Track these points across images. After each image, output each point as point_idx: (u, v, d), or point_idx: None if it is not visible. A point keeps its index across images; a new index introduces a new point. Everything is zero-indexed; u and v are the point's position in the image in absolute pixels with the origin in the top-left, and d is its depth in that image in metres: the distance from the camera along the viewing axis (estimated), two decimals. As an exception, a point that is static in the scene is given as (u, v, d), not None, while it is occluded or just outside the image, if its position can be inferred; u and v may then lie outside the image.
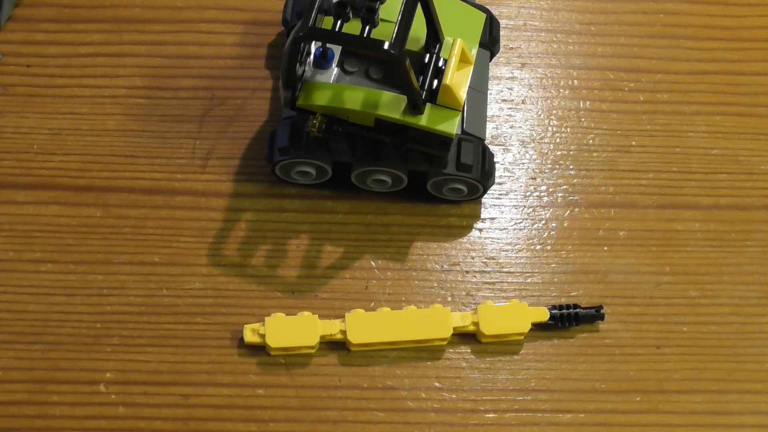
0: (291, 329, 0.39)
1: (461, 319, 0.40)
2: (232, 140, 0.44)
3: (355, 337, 0.39)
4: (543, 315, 0.40)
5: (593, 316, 0.40)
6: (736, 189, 0.44)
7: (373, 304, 0.41)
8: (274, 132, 0.41)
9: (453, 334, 0.40)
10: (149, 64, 0.46)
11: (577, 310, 0.40)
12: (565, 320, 0.40)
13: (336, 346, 0.40)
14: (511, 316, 0.40)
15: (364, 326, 0.39)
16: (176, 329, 0.41)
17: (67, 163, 0.44)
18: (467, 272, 0.42)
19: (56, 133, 0.44)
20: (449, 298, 0.41)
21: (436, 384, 0.40)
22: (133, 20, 0.47)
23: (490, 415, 0.39)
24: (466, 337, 0.40)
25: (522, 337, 0.40)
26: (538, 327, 0.40)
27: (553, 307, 0.40)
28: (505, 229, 0.43)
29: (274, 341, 0.39)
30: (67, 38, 0.46)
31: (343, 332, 0.39)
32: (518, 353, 0.40)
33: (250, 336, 0.39)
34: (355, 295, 0.41)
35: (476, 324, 0.40)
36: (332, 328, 0.39)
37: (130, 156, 0.44)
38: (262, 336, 0.39)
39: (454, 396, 0.40)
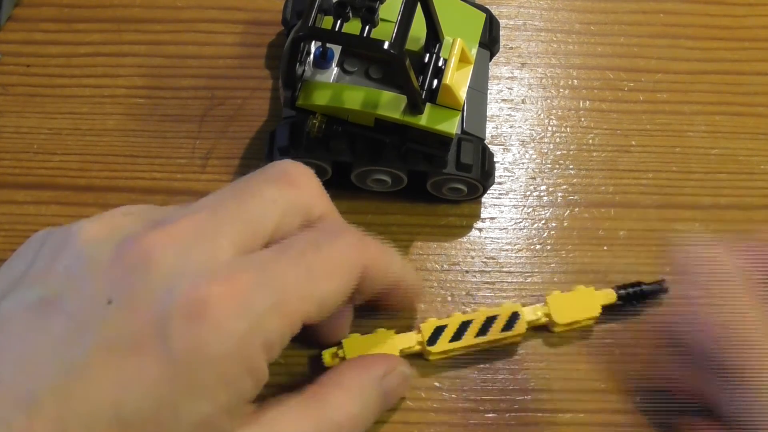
0: (370, 348, 0.38)
1: (532, 313, 0.40)
2: (232, 140, 0.44)
3: (434, 347, 0.39)
4: (610, 297, 0.40)
5: (657, 290, 0.41)
6: (736, 189, 0.44)
7: (373, 303, 0.41)
8: (274, 132, 0.41)
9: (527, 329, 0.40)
10: (149, 63, 0.46)
11: (642, 287, 0.40)
12: (632, 298, 0.40)
13: (413, 357, 0.40)
14: (580, 302, 0.40)
15: (439, 333, 0.39)
16: (176, 329, 0.40)
17: (67, 163, 0.44)
18: (467, 272, 0.42)
19: (56, 132, 0.44)
20: (449, 298, 0.41)
21: (436, 384, 0.40)
22: (133, 20, 0.47)
23: (490, 415, 0.39)
24: (538, 329, 0.40)
25: (593, 322, 0.40)
26: (606, 310, 0.40)
27: (618, 287, 0.41)
28: (504, 228, 0.43)
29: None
30: (67, 38, 0.46)
31: (421, 343, 0.39)
32: (517, 353, 0.40)
33: (329, 360, 0.38)
34: (355, 294, 0.41)
35: (548, 315, 0.40)
36: (409, 340, 0.39)
37: (130, 156, 0.44)
38: (343, 358, 0.38)
39: (454, 396, 0.40)
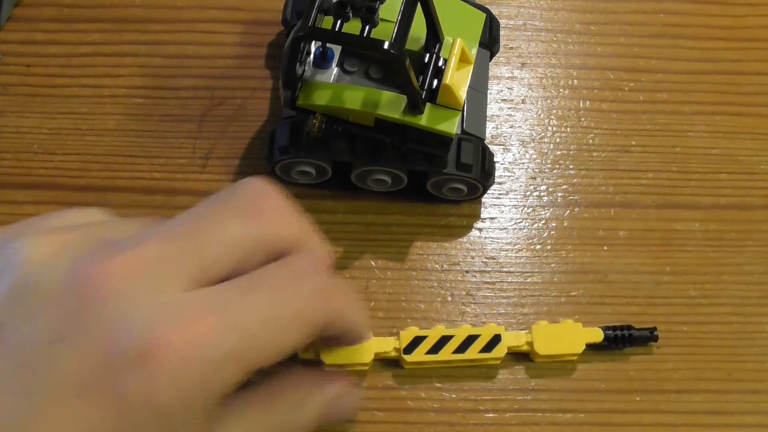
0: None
1: (515, 339, 0.39)
2: (232, 140, 0.44)
3: (410, 356, 0.39)
4: (597, 336, 0.40)
5: (647, 337, 0.40)
6: (736, 189, 0.44)
7: (372, 303, 0.41)
8: (274, 132, 0.41)
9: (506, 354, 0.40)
10: (149, 64, 0.46)
11: (631, 331, 0.40)
12: (619, 341, 0.40)
13: (390, 363, 0.40)
14: (564, 336, 0.40)
15: (418, 343, 0.39)
16: (176, 329, 0.40)
17: (67, 163, 0.44)
18: (467, 272, 0.42)
19: (56, 132, 0.44)
20: (449, 298, 0.41)
21: (436, 384, 0.40)
22: (133, 20, 0.47)
23: (490, 415, 0.39)
24: (518, 356, 0.40)
25: (575, 358, 0.40)
26: (591, 348, 0.40)
27: (606, 328, 0.40)
28: (505, 228, 0.43)
29: (328, 358, 0.38)
30: (67, 38, 0.46)
31: (398, 350, 0.39)
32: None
33: (304, 352, 0.39)
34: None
35: (530, 344, 0.39)
36: (386, 345, 0.39)
37: (130, 156, 0.44)
38: (317, 353, 0.38)
39: (454, 396, 0.40)
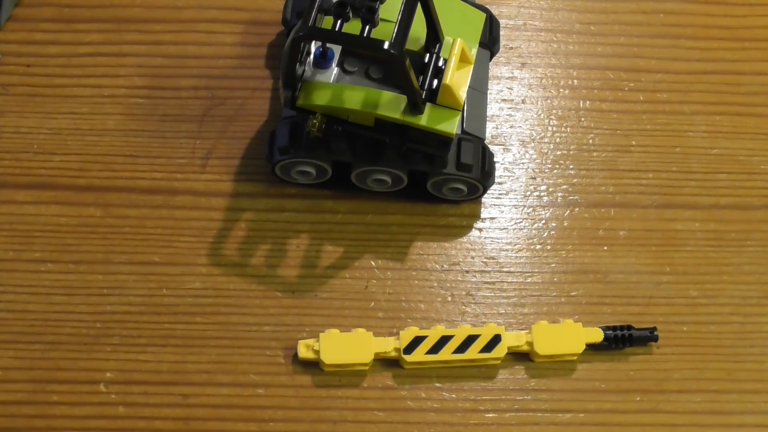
0: (345, 346, 0.39)
1: (515, 339, 0.40)
2: (232, 140, 0.44)
3: (410, 356, 0.39)
4: (597, 336, 0.40)
5: (647, 337, 0.40)
6: (736, 189, 0.44)
7: (372, 303, 0.41)
8: (274, 132, 0.41)
9: (506, 353, 0.40)
10: (149, 64, 0.46)
11: (631, 331, 0.40)
12: (619, 341, 0.40)
13: (389, 363, 0.40)
14: (565, 336, 0.40)
15: (418, 343, 0.39)
16: (176, 329, 0.41)
17: (67, 163, 0.44)
18: (467, 272, 0.42)
19: (56, 132, 0.44)
20: (449, 298, 0.41)
21: (436, 384, 0.40)
22: (133, 20, 0.47)
23: (490, 415, 0.39)
24: (518, 356, 0.40)
25: (575, 358, 0.40)
26: (591, 348, 0.40)
27: (607, 328, 0.40)
28: (505, 228, 0.43)
29: (328, 357, 0.39)
30: (67, 38, 0.46)
31: (398, 350, 0.39)
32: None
33: (304, 352, 0.39)
34: (355, 294, 0.41)
35: (530, 344, 0.39)
36: (386, 345, 0.39)
37: (130, 156, 0.44)
38: (317, 352, 0.39)
39: (454, 396, 0.40)
